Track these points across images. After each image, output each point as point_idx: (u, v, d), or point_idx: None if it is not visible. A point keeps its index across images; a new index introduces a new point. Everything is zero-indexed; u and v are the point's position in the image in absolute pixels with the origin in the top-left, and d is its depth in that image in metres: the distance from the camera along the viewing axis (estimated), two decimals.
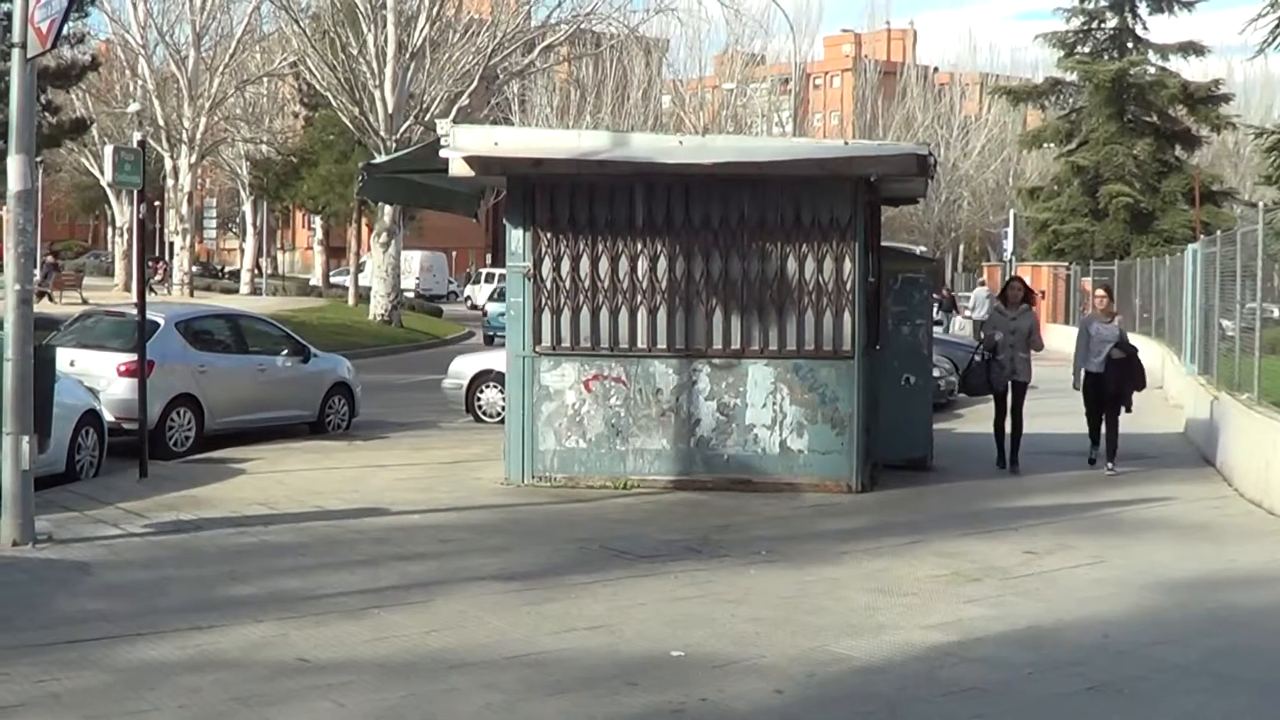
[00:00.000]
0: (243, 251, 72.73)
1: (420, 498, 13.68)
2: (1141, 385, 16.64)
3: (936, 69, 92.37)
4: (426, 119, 39.88)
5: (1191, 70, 53.99)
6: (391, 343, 39.46)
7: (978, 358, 16.63)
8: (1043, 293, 46.78)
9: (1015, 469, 16.15)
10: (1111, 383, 16.24)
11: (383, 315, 43.15)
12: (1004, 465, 16.28)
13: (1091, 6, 53.15)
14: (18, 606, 9.19)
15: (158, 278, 58.47)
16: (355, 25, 41.93)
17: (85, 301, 41.91)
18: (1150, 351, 32.65)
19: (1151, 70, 52.13)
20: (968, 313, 43.02)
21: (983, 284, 46.53)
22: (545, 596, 9.60)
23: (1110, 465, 16.17)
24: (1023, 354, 16.30)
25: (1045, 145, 58.95)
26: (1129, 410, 16.49)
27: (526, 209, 14.44)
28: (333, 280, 70.98)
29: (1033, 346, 16.65)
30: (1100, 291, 17.76)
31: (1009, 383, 16.32)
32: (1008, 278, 24.16)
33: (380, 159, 21.14)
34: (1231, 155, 75.50)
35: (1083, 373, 16.45)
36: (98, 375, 16.12)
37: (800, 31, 66.99)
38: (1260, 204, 16.98)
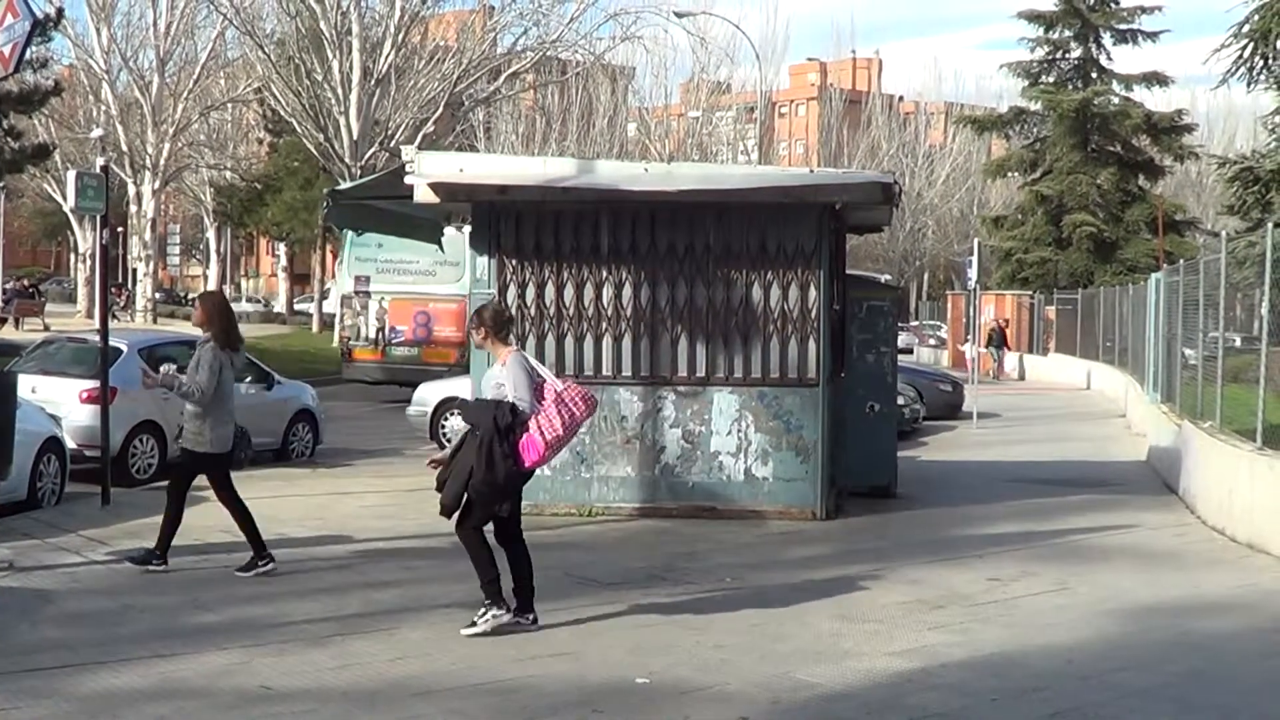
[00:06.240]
0: (206, 278, 72.57)
1: (384, 525, 13.61)
2: (490, 488, 9.09)
3: (902, 98, 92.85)
4: (391, 145, 39.86)
5: (1155, 100, 54.61)
6: None
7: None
8: (1007, 321, 47.05)
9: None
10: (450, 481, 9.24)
11: None
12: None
13: (1056, 37, 53.67)
14: None
15: (121, 304, 58.18)
16: (320, 51, 41.92)
17: (47, 328, 41.67)
18: (1113, 379, 32.92)
19: (1115, 100, 52.65)
20: None
21: None
22: (510, 624, 9.57)
23: (526, 617, 9.35)
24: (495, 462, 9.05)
25: (1009, 174, 59.42)
26: (494, 514, 9.45)
27: (492, 236, 14.43)
28: (297, 307, 70.69)
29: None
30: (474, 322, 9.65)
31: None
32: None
33: (345, 185, 21.11)
34: (1194, 185, 76.22)
35: None
36: (60, 402, 16.01)
37: (766, 60, 67.22)
38: (1223, 233, 17.15)
